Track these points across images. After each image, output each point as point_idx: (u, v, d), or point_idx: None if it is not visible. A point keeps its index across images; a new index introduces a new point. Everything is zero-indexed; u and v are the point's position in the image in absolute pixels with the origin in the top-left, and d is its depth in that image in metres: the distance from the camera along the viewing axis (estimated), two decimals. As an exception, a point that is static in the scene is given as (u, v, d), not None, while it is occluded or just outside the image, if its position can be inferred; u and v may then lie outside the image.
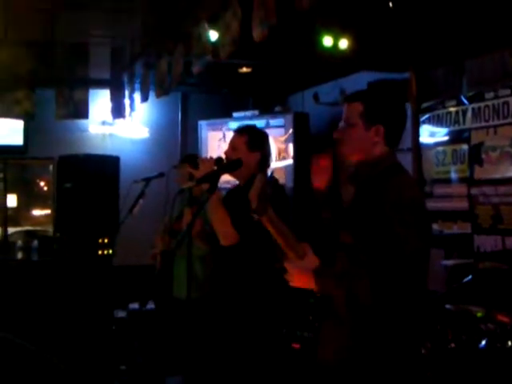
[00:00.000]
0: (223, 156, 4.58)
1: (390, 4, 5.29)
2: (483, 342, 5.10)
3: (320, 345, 3.34)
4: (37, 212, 10.93)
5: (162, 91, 6.38)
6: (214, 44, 4.99)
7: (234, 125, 9.41)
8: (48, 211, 10.39)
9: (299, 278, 3.13)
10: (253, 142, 4.58)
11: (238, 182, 4.70)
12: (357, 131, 3.19)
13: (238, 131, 4.68)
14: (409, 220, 2.94)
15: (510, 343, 5.00)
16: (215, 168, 4.29)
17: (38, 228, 10.14)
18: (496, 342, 5.06)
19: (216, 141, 9.85)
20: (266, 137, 4.72)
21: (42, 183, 11.07)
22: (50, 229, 9.85)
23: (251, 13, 4.55)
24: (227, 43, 4.71)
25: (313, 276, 3.04)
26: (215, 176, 3.85)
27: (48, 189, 10.52)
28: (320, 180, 3.42)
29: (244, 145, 4.56)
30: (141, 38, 6.54)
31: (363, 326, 3.06)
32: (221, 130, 9.88)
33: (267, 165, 4.67)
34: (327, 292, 3.09)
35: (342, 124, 3.26)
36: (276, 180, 4.75)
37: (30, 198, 10.95)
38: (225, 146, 4.80)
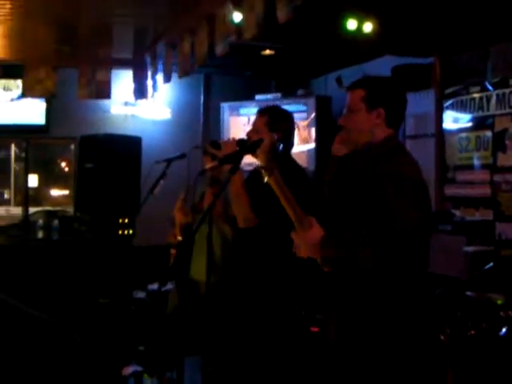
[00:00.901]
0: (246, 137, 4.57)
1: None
2: (504, 330, 5.08)
3: (328, 325, 3.49)
4: (57, 192, 10.97)
5: (184, 72, 6.36)
6: (238, 25, 4.95)
7: (254, 110, 9.45)
8: (68, 191, 10.42)
9: (305, 248, 3.23)
10: (273, 121, 4.55)
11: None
12: (360, 115, 3.38)
13: (260, 112, 4.66)
14: (407, 193, 3.11)
15: (530, 331, 4.98)
16: (238, 149, 4.28)
17: (58, 208, 10.16)
18: (516, 330, 5.04)
19: (240, 125, 9.83)
20: (288, 116, 4.68)
21: (63, 163, 11.10)
22: (70, 209, 9.88)
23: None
24: (252, 24, 4.68)
25: (318, 245, 3.15)
26: (237, 157, 3.83)
27: (69, 169, 10.54)
28: (339, 148, 3.52)
29: (265, 125, 4.54)
30: (164, 18, 6.51)
31: (366, 299, 3.20)
32: (245, 114, 9.87)
33: (290, 144, 4.65)
34: (331, 260, 3.19)
35: (345, 111, 3.45)
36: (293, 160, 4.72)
37: (51, 177, 10.99)
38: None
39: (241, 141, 4.49)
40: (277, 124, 4.53)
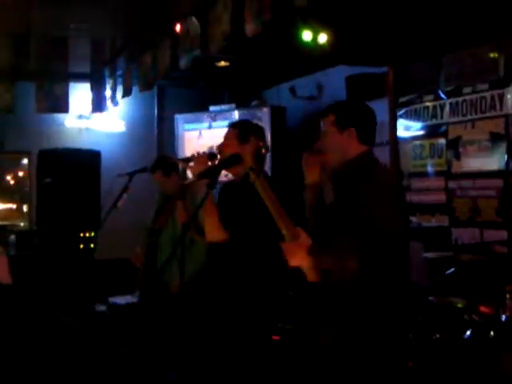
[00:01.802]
0: (215, 150, 4.63)
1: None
2: (468, 333, 5.18)
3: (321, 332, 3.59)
4: (7, 206, 10.84)
5: (145, 86, 6.36)
6: (203, 38, 4.98)
7: (205, 124, 9.58)
8: (16, 205, 10.30)
9: (294, 257, 3.29)
10: (243, 134, 4.62)
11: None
12: (332, 137, 3.62)
13: (231, 125, 4.73)
14: (387, 198, 3.31)
15: (492, 333, 5.09)
16: (209, 163, 4.35)
17: (7, 223, 10.05)
18: (480, 333, 5.15)
19: (194, 137, 9.86)
20: (258, 129, 4.76)
21: (14, 177, 10.99)
22: (20, 223, 9.79)
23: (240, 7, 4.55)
24: (218, 38, 4.71)
25: (305, 254, 3.23)
26: (216, 171, 3.91)
27: (18, 182, 10.43)
28: (313, 175, 3.70)
29: (235, 138, 4.60)
30: (123, 32, 6.50)
31: (355, 307, 3.33)
32: (196, 128, 9.90)
33: (262, 157, 4.71)
34: (318, 269, 3.27)
35: (321, 137, 3.69)
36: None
37: (2, 192, 10.85)
38: (203, 142, 4.87)
39: (211, 154, 4.56)
40: (247, 136, 4.60)
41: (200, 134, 9.76)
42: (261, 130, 4.76)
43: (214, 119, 9.52)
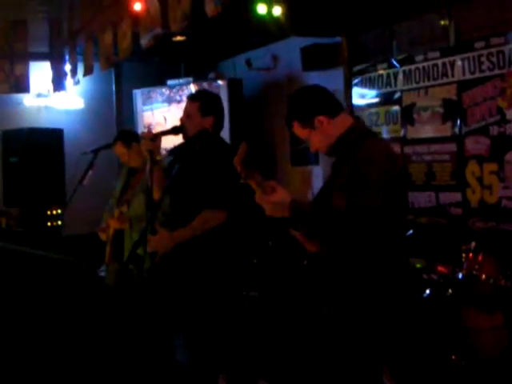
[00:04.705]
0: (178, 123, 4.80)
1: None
2: (427, 292, 5.43)
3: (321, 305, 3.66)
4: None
5: (107, 64, 6.42)
6: (164, 18, 5.08)
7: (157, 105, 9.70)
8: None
9: (273, 208, 3.38)
10: (205, 106, 4.77)
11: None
12: (316, 137, 3.55)
13: (191, 98, 4.86)
14: (378, 175, 3.28)
15: (450, 291, 5.33)
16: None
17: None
18: (438, 291, 5.39)
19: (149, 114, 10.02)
20: (218, 100, 4.92)
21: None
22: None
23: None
24: (178, 18, 4.82)
25: (288, 207, 3.33)
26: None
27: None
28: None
29: (197, 110, 4.75)
30: (83, 11, 6.56)
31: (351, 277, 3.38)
32: (148, 109, 10.03)
33: (221, 126, 4.88)
34: (303, 222, 3.39)
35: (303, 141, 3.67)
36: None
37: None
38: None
39: (175, 128, 4.75)
40: (208, 108, 4.76)
41: (152, 113, 9.93)
42: (220, 99, 4.94)
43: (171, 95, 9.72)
